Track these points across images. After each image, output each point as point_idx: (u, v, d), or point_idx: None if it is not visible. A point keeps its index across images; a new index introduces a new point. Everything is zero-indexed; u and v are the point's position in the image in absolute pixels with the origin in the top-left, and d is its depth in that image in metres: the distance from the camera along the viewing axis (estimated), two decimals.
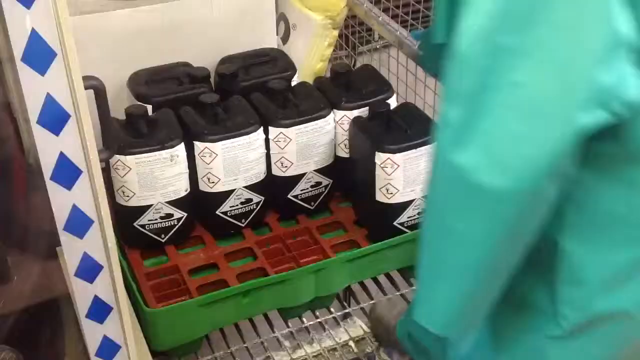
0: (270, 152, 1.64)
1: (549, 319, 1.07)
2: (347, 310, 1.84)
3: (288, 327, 1.73)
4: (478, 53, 0.88)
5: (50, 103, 1.00)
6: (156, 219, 1.59)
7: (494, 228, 0.94)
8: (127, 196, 1.54)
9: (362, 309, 1.81)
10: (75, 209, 1.09)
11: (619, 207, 0.98)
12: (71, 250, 1.13)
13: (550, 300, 1.06)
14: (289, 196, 1.71)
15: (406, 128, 1.62)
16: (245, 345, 1.68)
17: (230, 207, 1.65)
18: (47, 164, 1.04)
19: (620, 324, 1.05)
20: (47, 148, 1.03)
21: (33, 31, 0.95)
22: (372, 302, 1.81)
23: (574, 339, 1.06)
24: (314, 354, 1.72)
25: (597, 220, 1.00)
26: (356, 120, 1.68)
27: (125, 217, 1.59)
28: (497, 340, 1.17)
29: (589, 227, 1.00)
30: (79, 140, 1.04)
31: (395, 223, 1.65)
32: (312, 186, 1.72)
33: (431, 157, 0.97)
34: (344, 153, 1.73)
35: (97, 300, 1.19)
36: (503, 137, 0.89)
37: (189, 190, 1.61)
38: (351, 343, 1.75)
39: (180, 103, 1.65)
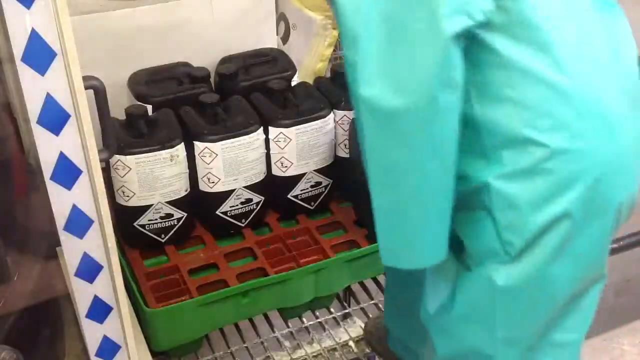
0: (270, 152, 1.64)
1: (497, 252, 1.16)
2: (347, 311, 1.84)
3: (288, 327, 1.73)
4: (351, 3, 1.05)
5: (50, 103, 1.00)
6: (156, 219, 1.59)
7: (417, 147, 1.08)
8: (127, 196, 1.54)
9: (362, 309, 1.81)
10: (75, 209, 1.09)
11: (511, 124, 1.10)
12: (71, 250, 1.13)
13: (496, 235, 1.15)
14: (289, 196, 1.71)
15: None
16: (245, 345, 1.68)
17: (230, 207, 1.65)
18: (47, 164, 1.04)
19: (561, 229, 1.12)
20: (47, 148, 1.03)
21: (33, 31, 0.95)
22: (372, 302, 1.81)
23: (520, 261, 1.15)
24: (314, 354, 1.72)
25: (504, 143, 1.11)
26: None
27: (125, 217, 1.59)
28: (453, 295, 1.25)
29: (502, 151, 1.11)
30: (79, 140, 1.05)
31: None
32: (312, 186, 1.72)
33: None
34: (344, 153, 1.73)
35: (97, 300, 1.19)
36: (392, 64, 1.04)
37: (189, 190, 1.61)
38: (351, 343, 1.75)
39: (180, 103, 1.65)
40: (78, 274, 1.15)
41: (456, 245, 1.23)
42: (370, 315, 1.78)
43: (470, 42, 1.06)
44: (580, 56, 1.09)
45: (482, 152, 1.13)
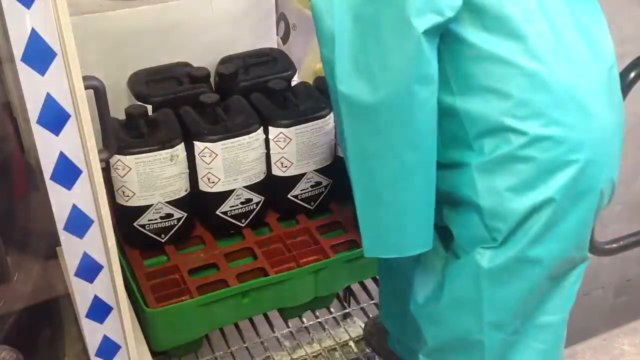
0: (270, 152, 1.64)
1: (484, 239, 1.19)
2: (347, 310, 1.84)
3: (288, 327, 1.73)
4: (325, 3, 1.10)
5: (50, 103, 1.00)
6: (156, 219, 1.59)
7: (393, 139, 1.12)
8: (127, 196, 1.54)
9: (362, 309, 1.81)
10: (75, 209, 1.09)
11: (490, 113, 1.13)
12: (71, 250, 1.13)
13: (482, 223, 1.18)
14: (289, 196, 1.71)
15: None
16: (245, 345, 1.68)
17: (230, 207, 1.65)
18: (47, 164, 1.04)
19: (544, 215, 1.16)
20: (47, 148, 1.03)
21: (33, 31, 0.95)
22: (373, 302, 1.81)
23: (505, 245, 1.19)
24: (314, 354, 1.73)
25: (484, 132, 1.15)
26: None
27: (125, 217, 1.59)
28: (441, 284, 1.28)
29: (482, 139, 1.15)
30: (79, 140, 1.05)
31: None
32: (312, 186, 1.72)
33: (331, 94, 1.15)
34: None
35: (97, 300, 1.19)
36: (367, 61, 1.08)
37: (189, 190, 1.61)
38: (351, 343, 1.76)
39: (180, 103, 1.65)
40: (78, 274, 1.15)
41: (445, 235, 1.26)
42: (370, 315, 1.78)
43: (446, 36, 1.10)
44: (554, 46, 1.13)
45: (465, 142, 1.16)
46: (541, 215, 1.15)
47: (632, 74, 1.78)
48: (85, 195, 1.09)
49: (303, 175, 1.69)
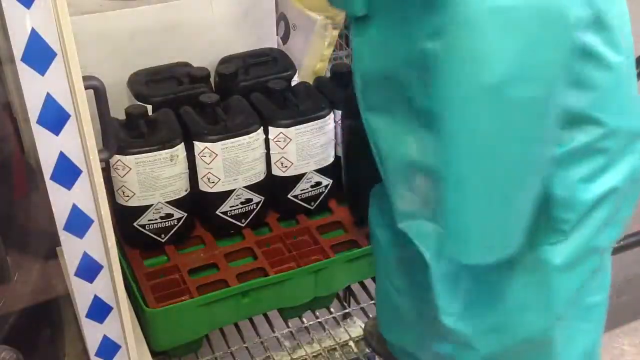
0: (270, 152, 1.64)
1: (551, 232, 1.18)
2: (347, 310, 1.84)
3: (288, 327, 1.73)
4: None
5: (50, 103, 1.00)
6: (156, 219, 1.59)
7: (531, 135, 1.09)
8: (127, 196, 1.54)
9: (362, 309, 1.81)
10: (75, 208, 1.09)
11: (569, 105, 1.11)
12: (71, 250, 1.13)
13: (550, 214, 1.17)
14: (289, 196, 1.71)
15: None
16: (245, 345, 1.68)
17: (230, 207, 1.65)
18: (47, 164, 1.04)
19: (610, 203, 1.17)
20: (47, 148, 1.03)
21: (33, 31, 0.95)
22: (372, 302, 1.81)
23: (572, 236, 1.18)
24: (314, 354, 1.73)
25: (561, 123, 1.13)
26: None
27: (125, 217, 1.59)
28: (495, 289, 1.25)
29: (560, 129, 1.13)
30: (79, 140, 1.05)
31: None
32: (312, 186, 1.72)
33: (460, 93, 1.06)
34: None
35: (97, 300, 1.19)
36: (519, 51, 1.02)
37: (189, 190, 1.61)
38: (351, 343, 1.75)
39: (180, 103, 1.65)
40: (78, 273, 1.15)
41: None
42: (370, 315, 1.78)
43: None
44: (625, 36, 1.13)
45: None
46: (607, 204, 1.17)
47: None
48: (85, 195, 1.09)
49: (303, 175, 1.69)
